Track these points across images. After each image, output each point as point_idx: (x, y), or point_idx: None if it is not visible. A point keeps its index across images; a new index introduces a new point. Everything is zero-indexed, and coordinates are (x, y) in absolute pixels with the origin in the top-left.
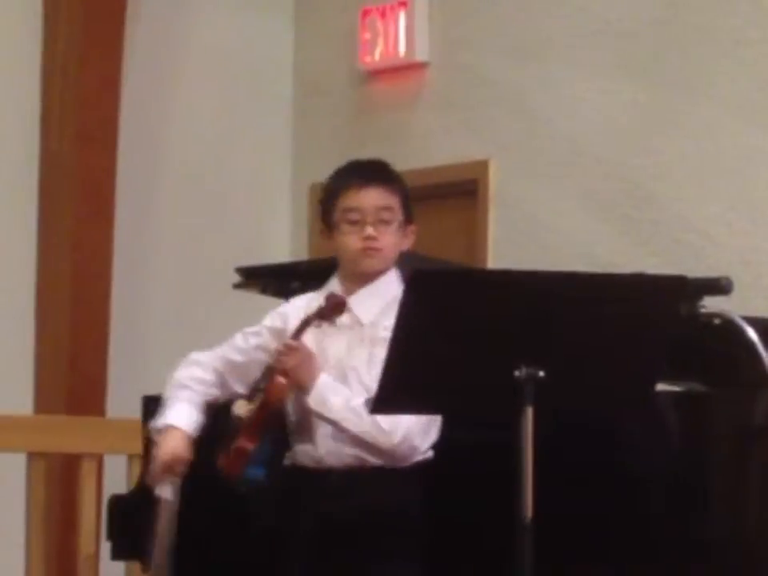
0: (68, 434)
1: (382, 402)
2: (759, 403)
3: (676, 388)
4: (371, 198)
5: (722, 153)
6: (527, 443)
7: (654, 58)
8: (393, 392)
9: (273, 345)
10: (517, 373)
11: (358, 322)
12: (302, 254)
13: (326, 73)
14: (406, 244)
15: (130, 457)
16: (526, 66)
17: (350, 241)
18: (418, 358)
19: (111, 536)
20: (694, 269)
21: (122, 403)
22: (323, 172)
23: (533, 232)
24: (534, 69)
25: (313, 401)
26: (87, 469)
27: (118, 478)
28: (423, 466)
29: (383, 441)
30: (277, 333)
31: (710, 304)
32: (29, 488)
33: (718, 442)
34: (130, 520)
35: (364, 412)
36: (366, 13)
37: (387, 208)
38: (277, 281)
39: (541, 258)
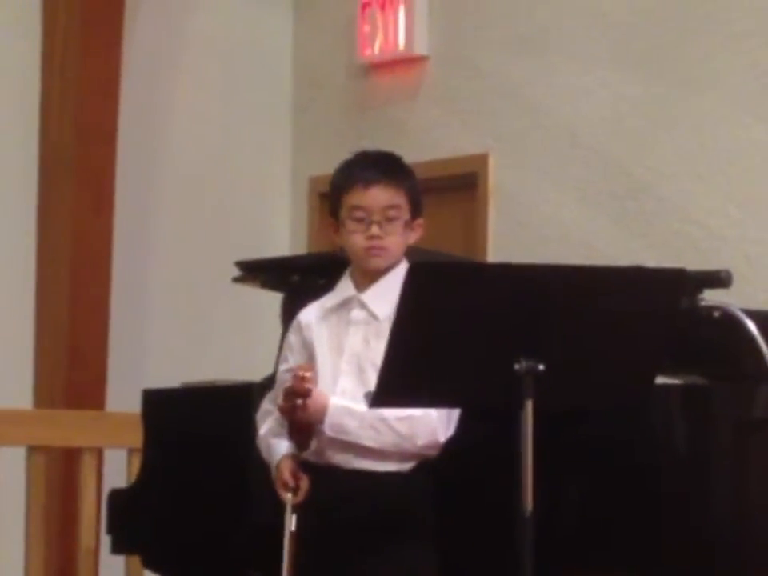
0: (68, 428)
1: (383, 396)
2: (759, 396)
3: (676, 381)
4: (377, 197)
5: (720, 145)
6: (527, 436)
7: (652, 50)
8: (393, 385)
9: (302, 361)
10: (516, 366)
11: (373, 317)
12: (301, 248)
13: (326, 66)
14: (413, 237)
15: (130, 450)
16: (526, 59)
17: (356, 239)
18: (418, 352)
19: (111, 530)
20: (694, 261)
21: (122, 397)
22: (323, 165)
23: (532, 225)
24: (533, 62)
25: (329, 429)
26: (87, 462)
27: (117, 472)
28: (429, 464)
29: (408, 446)
30: (299, 349)
31: (710, 297)
32: (29, 482)
33: (718, 434)
34: (129, 514)
35: (381, 425)
36: (365, 5)
37: (393, 206)
38: (276, 275)
39: (540, 251)
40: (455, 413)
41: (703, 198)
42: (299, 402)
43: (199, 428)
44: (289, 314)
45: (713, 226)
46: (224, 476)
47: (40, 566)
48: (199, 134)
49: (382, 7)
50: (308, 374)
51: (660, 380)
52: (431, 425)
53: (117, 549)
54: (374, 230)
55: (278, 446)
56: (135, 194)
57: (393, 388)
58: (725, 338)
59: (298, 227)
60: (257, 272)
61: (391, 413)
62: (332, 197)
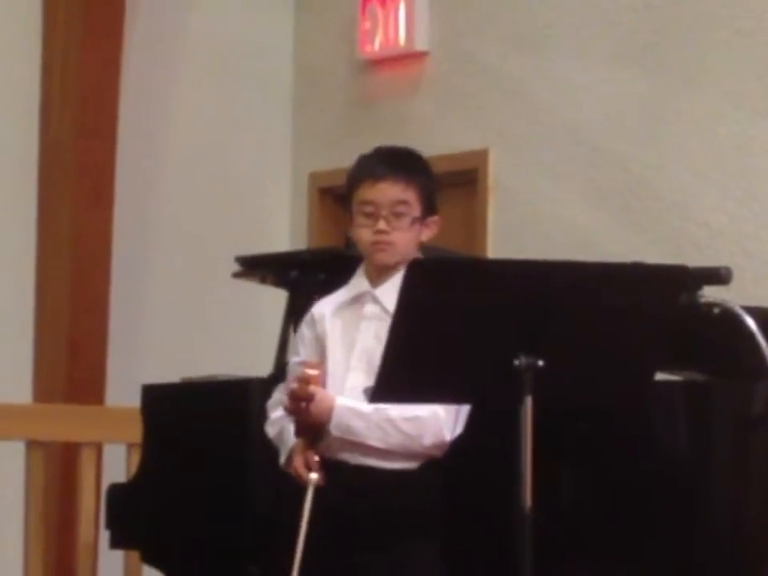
0: (67, 423)
1: (382, 391)
2: (758, 393)
3: (675, 377)
4: (385, 192)
5: (721, 142)
6: (526, 432)
7: (653, 47)
8: (392, 381)
9: (314, 355)
10: (516, 362)
11: (386, 313)
12: (301, 243)
13: (326, 62)
14: (427, 234)
15: (129, 445)
16: (526, 55)
17: (364, 234)
18: (418, 348)
19: (110, 524)
20: (694, 258)
21: (121, 392)
22: (323, 161)
23: (532, 221)
24: (534, 58)
25: (335, 430)
26: (86, 457)
27: (117, 467)
28: (436, 463)
29: (415, 446)
30: (311, 342)
31: (710, 293)
32: (28, 477)
33: (717, 431)
34: (128, 509)
35: (388, 426)
36: (366, 2)
37: (402, 202)
38: (276, 270)
39: (540, 248)
40: (463, 411)
41: (704, 194)
42: (303, 404)
43: (199, 423)
44: (292, 313)
45: (713, 223)
46: (223, 471)
47: (39, 561)
48: (199, 129)
49: (383, 3)
50: (315, 373)
51: (659, 377)
52: (438, 425)
53: (116, 544)
54: (381, 224)
55: (292, 431)
56: (135, 190)
57: (392, 384)
58: (724, 335)
59: (298, 222)
60: (257, 267)
61: (398, 413)
62: (346, 191)
